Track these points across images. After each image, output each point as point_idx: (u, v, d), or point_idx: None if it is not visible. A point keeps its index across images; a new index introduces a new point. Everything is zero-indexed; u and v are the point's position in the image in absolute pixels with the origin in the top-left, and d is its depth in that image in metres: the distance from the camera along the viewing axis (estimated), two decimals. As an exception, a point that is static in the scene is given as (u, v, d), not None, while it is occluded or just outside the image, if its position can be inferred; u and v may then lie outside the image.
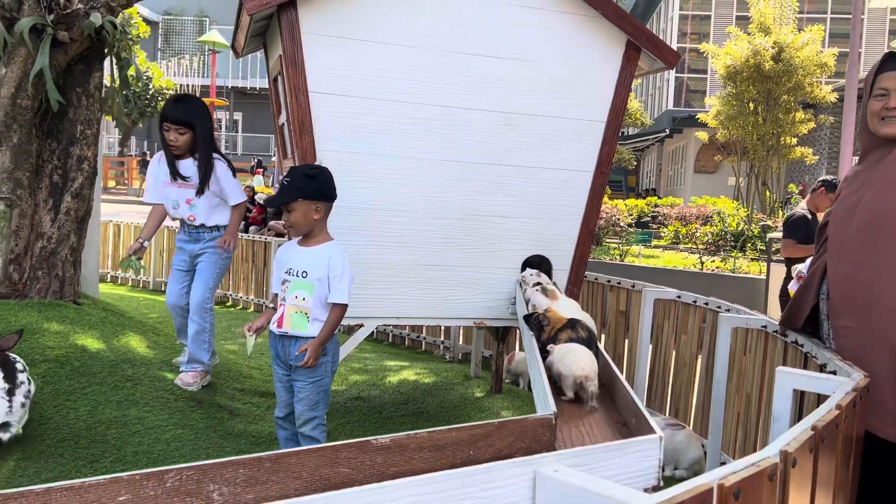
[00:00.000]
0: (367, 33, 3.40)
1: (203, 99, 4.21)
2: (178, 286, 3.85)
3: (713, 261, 10.52)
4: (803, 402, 2.22)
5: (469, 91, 3.57)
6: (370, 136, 3.47)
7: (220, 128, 33.43)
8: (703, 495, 0.93)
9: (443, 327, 5.90)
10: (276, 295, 2.87)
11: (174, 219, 3.87)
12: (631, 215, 12.99)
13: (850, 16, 11.67)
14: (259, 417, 3.69)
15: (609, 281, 4.58)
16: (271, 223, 9.92)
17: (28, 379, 2.84)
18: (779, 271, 6.40)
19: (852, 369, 1.81)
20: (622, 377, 2.28)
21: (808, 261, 2.50)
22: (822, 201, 5.15)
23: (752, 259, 10.83)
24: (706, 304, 3.78)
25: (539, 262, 3.71)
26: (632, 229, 12.35)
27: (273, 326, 2.85)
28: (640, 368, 4.08)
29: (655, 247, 13.15)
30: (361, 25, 3.39)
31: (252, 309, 7.31)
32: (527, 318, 2.77)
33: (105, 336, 3.93)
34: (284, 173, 3.10)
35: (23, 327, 3.18)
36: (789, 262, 5.29)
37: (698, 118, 17.56)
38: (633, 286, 4.35)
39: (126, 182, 25.43)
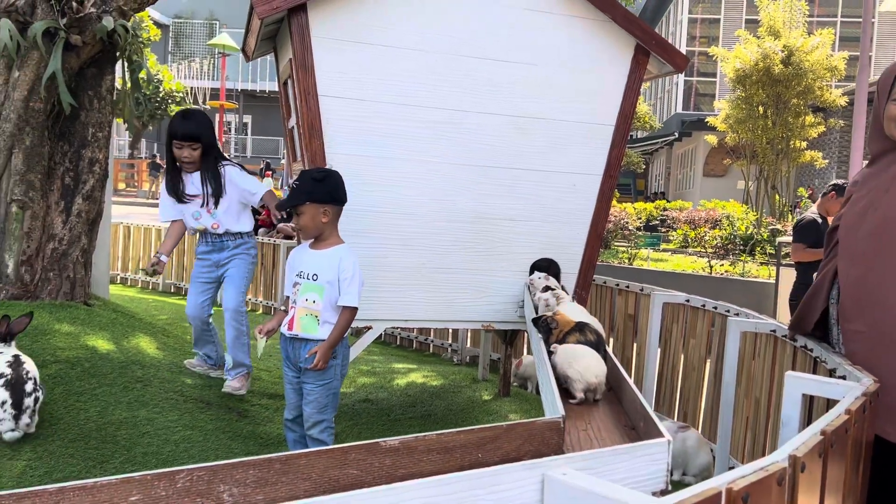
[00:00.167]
0: (378, 37, 3.42)
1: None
2: (199, 298, 3.85)
3: (722, 265, 10.49)
4: (812, 407, 2.22)
5: (479, 95, 3.58)
6: (380, 140, 3.48)
7: (230, 131, 33.56)
8: (712, 499, 0.93)
9: (451, 330, 5.91)
10: (288, 298, 2.89)
11: (195, 231, 3.84)
12: (640, 219, 12.95)
13: (860, 19, 11.61)
14: (268, 419, 3.70)
15: (618, 284, 4.57)
16: (280, 226, 9.90)
17: (37, 387, 2.86)
18: (788, 275, 6.38)
19: (862, 374, 1.81)
20: (630, 381, 2.28)
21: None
22: (833, 205, 5.13)
23: (762, 263, 10.79)
24: (715, 308, 3.77)
25: (548, 266, 3.71)
26: (640, 233, 12.32)
27: (284, 329, 2.87)
28: (649, 372, 4.07)
29: (664, 250, 13.13)
30: (372, 29, 3.40)
31: (260, 311, 7.34)
32: (535, 321, 2.77)
33: (115, 337, 3.96)
34: (294, 177, 3.12)
35: (31, 311, 3.20)
36: (799, 267, 5.28)
37: (707, 122, 17.52)
38: (641, 290, 4.34)
39: (136, 184, 25.56)
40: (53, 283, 4.08)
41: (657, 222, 16.30)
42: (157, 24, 26.24)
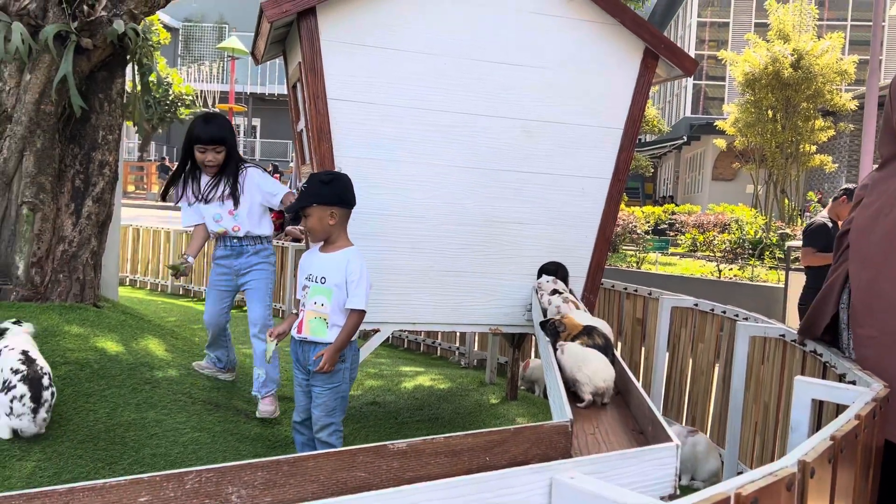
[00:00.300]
0: (387, 41, 3.43)
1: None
2: (218, 306, 3.82)
3: (731, 269, 10.44)
4: (822, 412, 2.21)
5: (489, 98, 3.59)
6: (389, 143, 3.49)
7: (239, 133, 33.65)
8: (720, 504, 0.92)
9: (458, 333, 5.91)
10: (299, 301, 2.90)
11: (216, 234, 3.77)
12: (648, 222, 12.92)
13: (870, 23, 11.58)
14: (276, 421, 3.71)
15: (626, 288, 4.56)
16: (288, 228, 9.93)
17: (51, 383, 2.88)
18: (798, 280, 6.35)
19: (872, 379, 1.80)
20: (639, 385, 2.27)
21: None
22: (844, 210, 5.10)
23: (771, 267, 10.74)
24: (724, 312, 3.75)
25: (555, 269, 3.71)
26: (649, 236, 12.29)
27: (294, 332, 2.88)
28: (657, 376, 4.06)
29: (672, 254, 13.08)
30: (381, 33, 3.41)
31: (269, 313, 7.34)
32: (542, 324, 2.77)
33: (124, 339, 3.97)
34: (303, 179, 3.13)
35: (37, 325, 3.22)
36: (809, 271, 5.25)
37: (716, 125, 17.45)
38: (649, 294, 4.33)
39: (146, 186, 25.65)
40: (63, 285, 4.11)
41: (665, 226, 16.26)
42: (167, 28, 26.40)
